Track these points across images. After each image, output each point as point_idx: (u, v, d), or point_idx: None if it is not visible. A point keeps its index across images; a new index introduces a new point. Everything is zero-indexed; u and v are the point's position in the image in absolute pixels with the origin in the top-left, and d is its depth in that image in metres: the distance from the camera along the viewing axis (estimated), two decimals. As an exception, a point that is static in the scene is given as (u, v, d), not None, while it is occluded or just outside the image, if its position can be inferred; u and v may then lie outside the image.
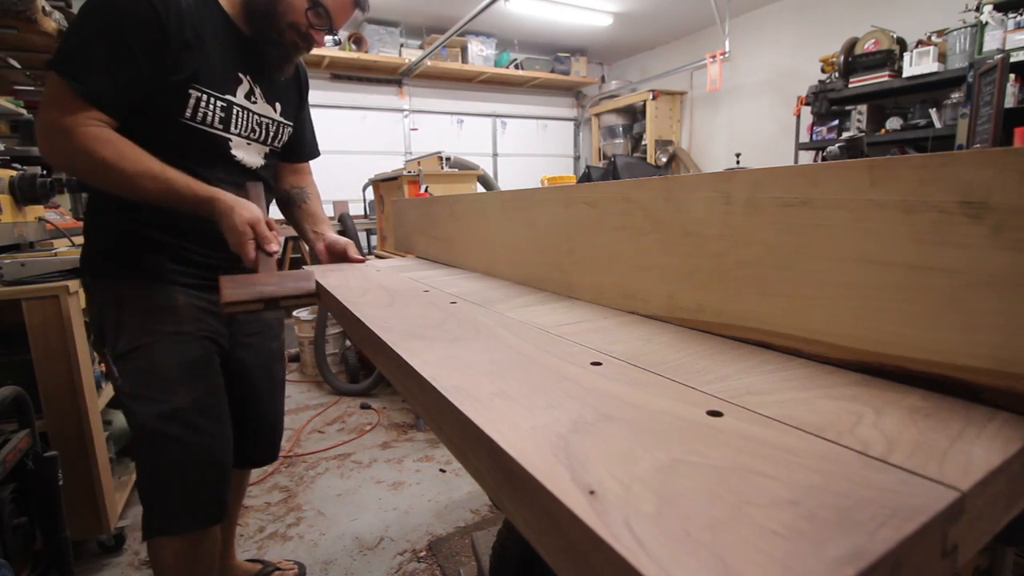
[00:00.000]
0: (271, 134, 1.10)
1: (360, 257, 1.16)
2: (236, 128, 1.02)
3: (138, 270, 0.97)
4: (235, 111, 1.01)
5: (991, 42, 2.60)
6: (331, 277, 0.95)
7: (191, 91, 0.93)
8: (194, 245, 1.01)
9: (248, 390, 1.18)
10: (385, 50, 4.74)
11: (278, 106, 1.11)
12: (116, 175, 0.86)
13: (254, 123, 1.06)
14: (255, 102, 1.05)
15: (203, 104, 0.95)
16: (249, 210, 0.92)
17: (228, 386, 1.09)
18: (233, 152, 1.03)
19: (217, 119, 0.98)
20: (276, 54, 1.03)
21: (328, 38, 1.08)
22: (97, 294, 0.99)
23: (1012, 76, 2.46)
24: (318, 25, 1.01)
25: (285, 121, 1.13)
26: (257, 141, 1.08)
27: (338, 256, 1.18)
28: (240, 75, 1.02)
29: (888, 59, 3.16)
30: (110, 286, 0.97)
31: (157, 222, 0.97)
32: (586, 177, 4.35)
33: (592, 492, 0.23)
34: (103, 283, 0.98)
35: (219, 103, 0.98)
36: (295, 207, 1.27)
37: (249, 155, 1.07)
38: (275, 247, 0.95)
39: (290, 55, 1.05)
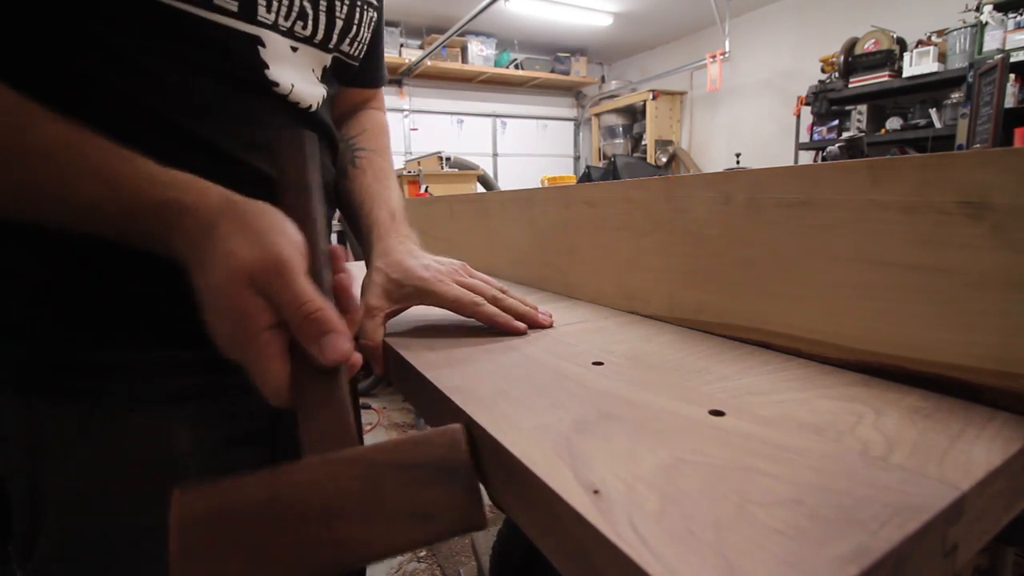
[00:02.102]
0: (339, 20, 0.51)
1: (524, 323, 0.51)
2: (269, 11, 0.45)
3: (89, 374, 0.43)
4: None
5: (991, 42, 2.61)
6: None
7: None
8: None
9: None
10: (385, 50, 4.74)
11: None
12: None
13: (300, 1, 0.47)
14: None
15: None
16: (266, 238, 0.34)
17: None
18: (270, 71, 0.46)
19: None
20: None
21: None
22: None
23: (1012, 76, 2.46)
24: None
25: None
26: (309, 41, 0.49)
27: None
28: None
29: (888, 59, 3.16)
30: (16, 414, 0.43)
31: (121, 253, 0.39)
32: (586, 177, 4.35)
33: (596, 491, 0.23)
34: (2, 397, 0.43)
35: None
36: (341, 177, 0.62)
37: (300, 75, 0.49)
38: (343, 346, 0.33)
39: None
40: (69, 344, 0.43)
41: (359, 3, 0.53)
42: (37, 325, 0.43)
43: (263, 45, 0.45)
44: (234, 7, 0.42)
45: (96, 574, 0.43)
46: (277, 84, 0.47)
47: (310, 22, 0.49)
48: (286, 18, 0.46)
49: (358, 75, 0.62)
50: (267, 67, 0.46)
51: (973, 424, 0.29)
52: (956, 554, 0.22)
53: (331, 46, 0.52)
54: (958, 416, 0.30)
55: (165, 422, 0.45)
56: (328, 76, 0.55)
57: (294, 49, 0.49)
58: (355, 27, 0.54)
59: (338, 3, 0.51)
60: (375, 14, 0.57)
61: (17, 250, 0.42)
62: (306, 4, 0.48)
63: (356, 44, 0.56)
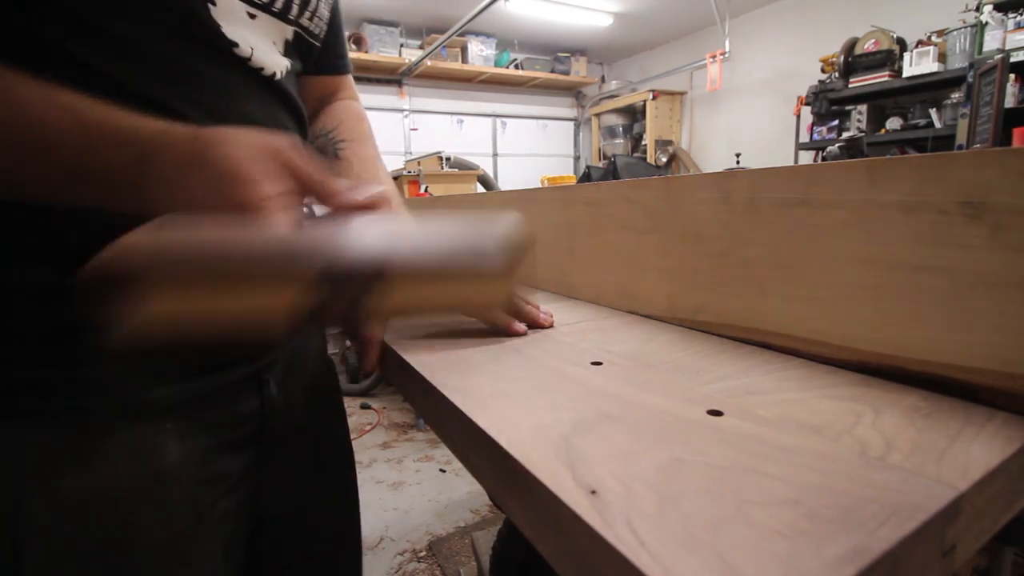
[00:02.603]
0: None
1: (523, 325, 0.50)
2: None
3: (68, 391, 0.40)
4: None
5: (991, 42, 2.60)
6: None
7: None
8: None
9: (307, 526, 0.60)
10: (385, 50, 4.73)
11: None
12: None
13: None
14: None
15: None
16: (257, 137, 0.34)
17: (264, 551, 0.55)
18: (223, 32, 0.43)
19: None
20: None
21: None
22: None
23: (1012, 76, 2.46)
24: None
25: None
26: (267, 8, 0.47)
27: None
28: None
29: (888, 59, 3.16)
30: None
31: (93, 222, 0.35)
32: (586, 177, 4.35)
33: (594, 492, 0.23)
34: None
35: None
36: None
37: (260, 43, 0.46)
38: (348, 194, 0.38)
39: None
40: (44, 360, 0.39)
41: None
42: (10, 340, 0.39)
43: (213, 3, 0.42)
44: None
45: None
46: (236, 45, 0.44)
47: None
48: None
49: (321, 59, 0.59)
50: (218, 27, 0.43)
51: (972, 424, 0.29)
52: (954, 554, 0.22)
53: (291, 17, 0.50)
54: (957, 416, 0.30)
55: (152, 435, 0.42)
56: (291, 51, 0.52)
57: (252, 16, 0.46)
58: (316, 5, 0.53)
59: None
60: None
61: None
62: None
63: (315, 20, 0.53)
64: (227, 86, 0.44)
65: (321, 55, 0.58)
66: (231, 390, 0.48)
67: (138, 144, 0.33)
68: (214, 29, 0.42)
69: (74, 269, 0.31)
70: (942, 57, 2.97)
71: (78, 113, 0.33)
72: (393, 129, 5.15)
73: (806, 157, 3.71)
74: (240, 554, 0.50)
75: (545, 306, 0.64)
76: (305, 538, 0.61)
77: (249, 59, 0.45)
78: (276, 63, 0.48)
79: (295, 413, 0.56)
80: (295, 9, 0.50)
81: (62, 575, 0.40)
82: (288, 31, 0.50)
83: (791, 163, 2.92)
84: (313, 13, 0.53)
